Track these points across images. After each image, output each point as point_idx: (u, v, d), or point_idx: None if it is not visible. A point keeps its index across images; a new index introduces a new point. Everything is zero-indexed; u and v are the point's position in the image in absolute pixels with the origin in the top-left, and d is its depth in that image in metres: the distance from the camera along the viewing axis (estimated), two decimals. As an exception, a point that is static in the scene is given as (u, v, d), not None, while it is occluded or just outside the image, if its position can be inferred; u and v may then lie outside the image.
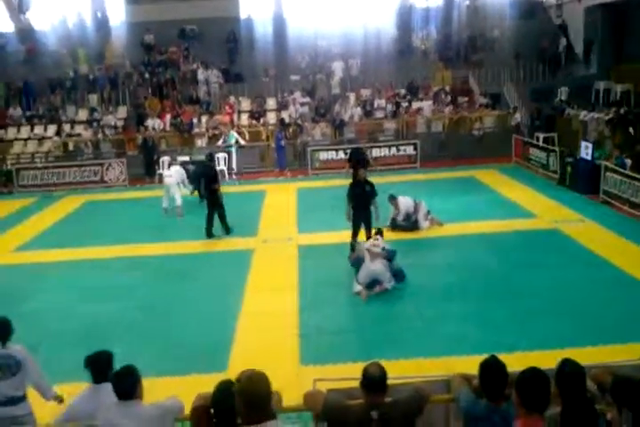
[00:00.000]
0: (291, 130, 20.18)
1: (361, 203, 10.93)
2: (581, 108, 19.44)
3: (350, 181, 11.79)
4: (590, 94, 21.17)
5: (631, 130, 16.35)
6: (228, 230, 13.30)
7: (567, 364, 3.77)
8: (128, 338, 8.54)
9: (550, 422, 3.61)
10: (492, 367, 3.93)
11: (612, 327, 8.08)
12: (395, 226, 13.05)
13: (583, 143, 15.82)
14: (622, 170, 13.91)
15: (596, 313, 8.56)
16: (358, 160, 15.72)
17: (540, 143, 18.28)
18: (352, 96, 22.35)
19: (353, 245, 10.94)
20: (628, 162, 14.34)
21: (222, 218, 13.17)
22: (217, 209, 13.10)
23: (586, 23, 23.30)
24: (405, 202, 13.08)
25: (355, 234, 11.10)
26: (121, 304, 9.80)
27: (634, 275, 9.85)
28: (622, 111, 17.75)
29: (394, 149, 19.43)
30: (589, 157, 15.27)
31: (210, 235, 13.13)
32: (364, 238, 10.88)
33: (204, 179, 13.31)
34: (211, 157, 14.48)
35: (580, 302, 8.95)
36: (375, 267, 9.71)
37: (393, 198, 13.18)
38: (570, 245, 11.62)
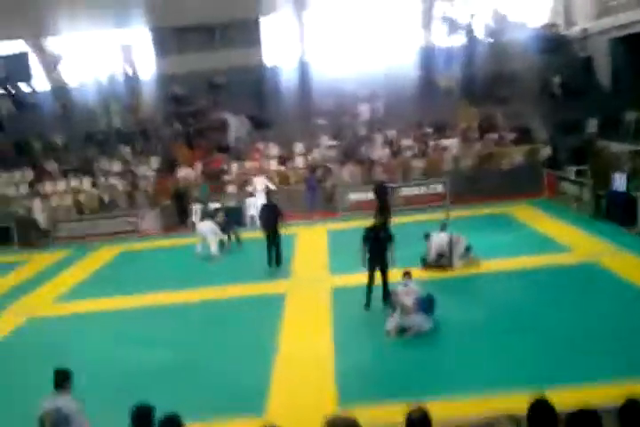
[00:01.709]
0: (319, 173, 20.33)
1: (375, 248, 10.91)
2: (612, 140, 19.20)
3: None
4: (620, 125, 20.95)
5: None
6: (280, 262, 14.30)
7: (630, 401, 3.59)
8: (166, 386, 8.61)
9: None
10: (541, 408, 3.78)
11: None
12: (425, 265, 12.95)
13: (616, 175, 15.59)
14: (658, 200, 13.61)
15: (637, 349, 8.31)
16: (383, 194, 15.83)
17: (573, 176, 18.04)
18: (379, 137, 22.49)
19: (369, 290, 10.95)
20: (663, 192, 14.03)
21: (280, 252, 14.31)
22: (277, 244, 14.22)
23: (611, 55, 23.26)
24: (438, 240, 12.93)
25: (370, 279, 11.04)
26: (159, 352, 9.89)
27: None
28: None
29: (423, 188, 19.49)
30: (623, 189, 15.03)
31: (271, 264, 14.20)
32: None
33: (272, 218, 14.24)
34: (269, 195, 15.59)
35: (621, 337, 8.74)
36: (408, 320, 9.72)
37: (427, 236, 13.14)
38: (608, 278, 11.40)
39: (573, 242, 13.92)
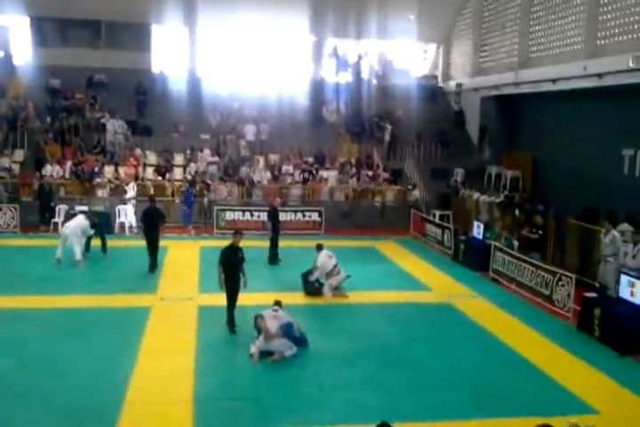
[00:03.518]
0: (198, 187, 20.12)
1: (233, 268, 10.92)
2: (475, 190, 20.74)
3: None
4: (483, 177, 22.71)
5: (517, 213, 17.55)
6: (154, 268, 14.60)
7: None
8: (6, 397, 8.02)
9: None
10: None
11: (500, 401, 8.47)
12: (304, 281, 13.24)
13: (475, 223, 16.86)
14: (510, 250, 14.84)
15: (486, 386, 8.97)
16: (275, 216, 16.14)
17: (436, 220, 19.25)
18: (261, 159, 22.72)
19: (231, 313, 10.94)
20: (516, 243, 15.34)
21: (155, 256, 14.67)
22: (155, 247, 14.53)
23: (481, 112, 25.26)
24: (325, 262, 13.20)
25: (232, 301, 11.01)
26: (4, 359, 9.19)
27: (519, 351, 10.41)
28: (511, 195, 19.10)
29: (300, 215, 19.90)
30: (480, 237, 16.25)
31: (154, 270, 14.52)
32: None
33: (153, 220, 14.53)
34: (152, 200, 15.52)
35: (470, 375, 9.35)
36: (271, 345, 9.76)
37: (319, 248, 13.43)
38: (461, 320, 12.14)
39: (432, 282, 14.79)
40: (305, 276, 13.38)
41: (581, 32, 18.98)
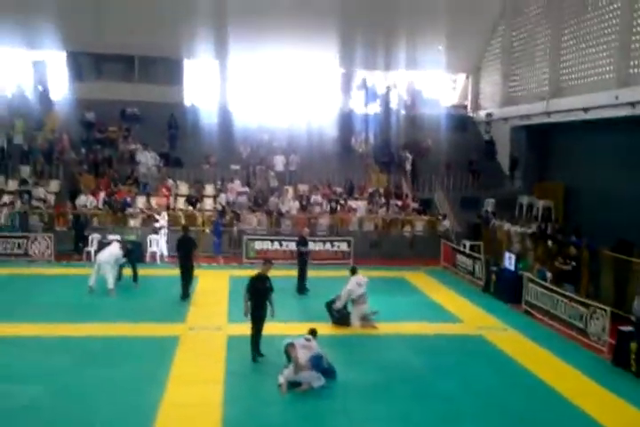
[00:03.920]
0: (227, 217, 20.29)
1: (261, 298, 10.86)
2: (506, 220, 20.52)
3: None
4: (514, 207, 22.48)
5: (550, 244, 17.29)
6: (186, 296, 14.84)
7: None
8: (34, 426, 8.05)
9: None
10: None
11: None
12: (329, 310, 13.07)
13: (507, 254, 16.61)
14: (543, 282, 14.57)
15: (516, 420, 8.78)
16: (304, 246, 16.16)
17: (467, 250, 19.05)
18: (290, 190, 22.87)
19: (256, 345, 10.87)
20: (549, 275, 15.06)
21: (188, 284, 14.93)
22: (190, 275, 14.80)
23: (512, 141, 25.17)
24: (354, 289, 13.00)
25: (258, 331, 10.93)
26: (34, 387, 9.25)
27: (551, 385, 10.14)
28: (543, 226, 18.84)
29: (328, 245, 19.90)
30: (512, 268, 15.99)
31: (186, 297, 14.76)
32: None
33: (187, 249, 14.82)
34: (186, 229, 15.74)
35: (500, 409, 9.12)
36: (299, 376, 9.68)
37: (353, 272, 13.30)
38: (493, 353, 11.90)
39: (463, 313, 14.56)
40: (329, 305, 13.28)
41: (613, 61, 18.91)
